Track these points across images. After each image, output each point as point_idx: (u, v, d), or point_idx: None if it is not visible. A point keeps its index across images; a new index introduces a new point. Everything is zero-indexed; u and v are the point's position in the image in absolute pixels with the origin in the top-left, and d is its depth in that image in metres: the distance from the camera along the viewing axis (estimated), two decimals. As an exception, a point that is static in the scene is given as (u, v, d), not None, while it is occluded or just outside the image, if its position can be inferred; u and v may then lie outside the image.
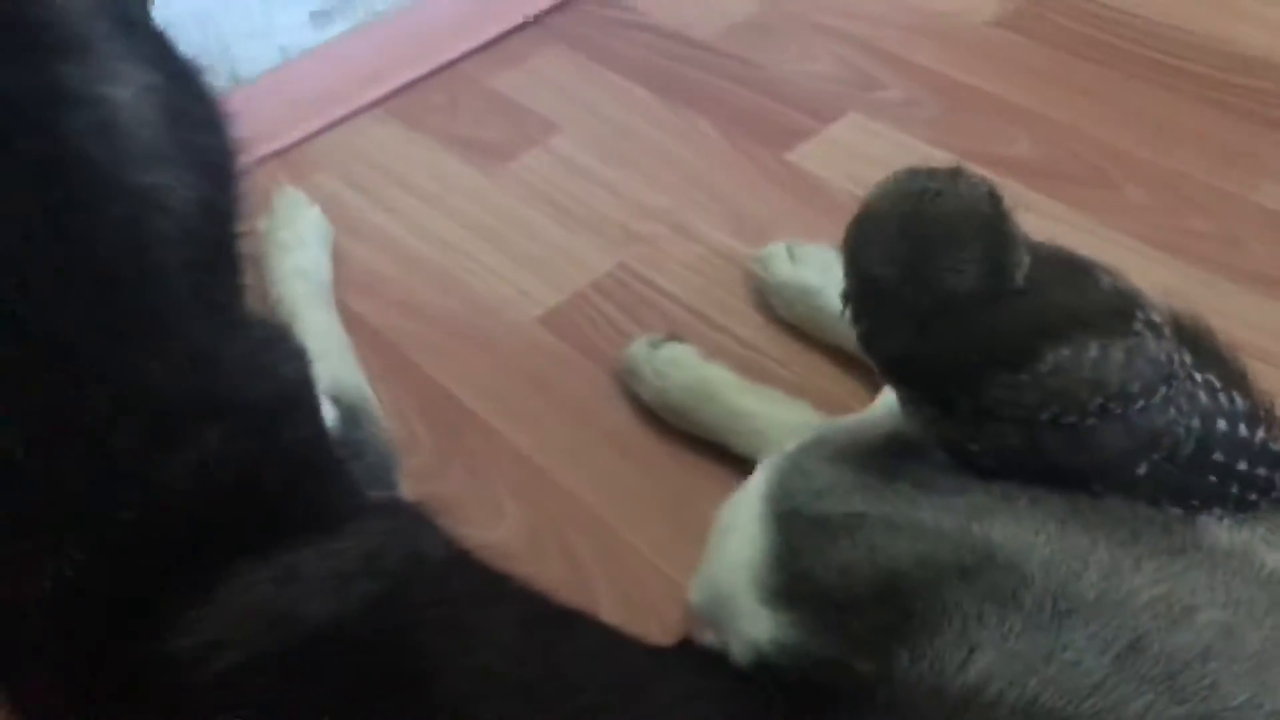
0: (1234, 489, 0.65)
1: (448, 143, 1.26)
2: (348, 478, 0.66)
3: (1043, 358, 0.61)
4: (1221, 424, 0.65)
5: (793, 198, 1.14)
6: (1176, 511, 0.63)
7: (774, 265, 1.01)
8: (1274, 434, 0.67)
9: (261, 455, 0.57)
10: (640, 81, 1.31)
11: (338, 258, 1.11)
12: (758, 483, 0.69)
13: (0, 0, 0.52)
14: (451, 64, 1.36)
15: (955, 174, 0.63)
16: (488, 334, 1.05)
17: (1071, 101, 1.20)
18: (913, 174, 0.63)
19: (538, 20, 1.40)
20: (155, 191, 0.54)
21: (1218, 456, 0.65)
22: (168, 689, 0.53)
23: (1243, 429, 0.66)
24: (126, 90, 0.54)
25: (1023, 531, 0.59)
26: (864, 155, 1.17)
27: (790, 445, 0.72)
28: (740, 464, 0.85)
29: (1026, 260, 0.63)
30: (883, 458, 0.68)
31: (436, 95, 1.33)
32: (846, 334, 0.92)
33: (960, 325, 0.62)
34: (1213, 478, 0.65)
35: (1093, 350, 0.62)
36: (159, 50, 0.58)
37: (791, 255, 1.01)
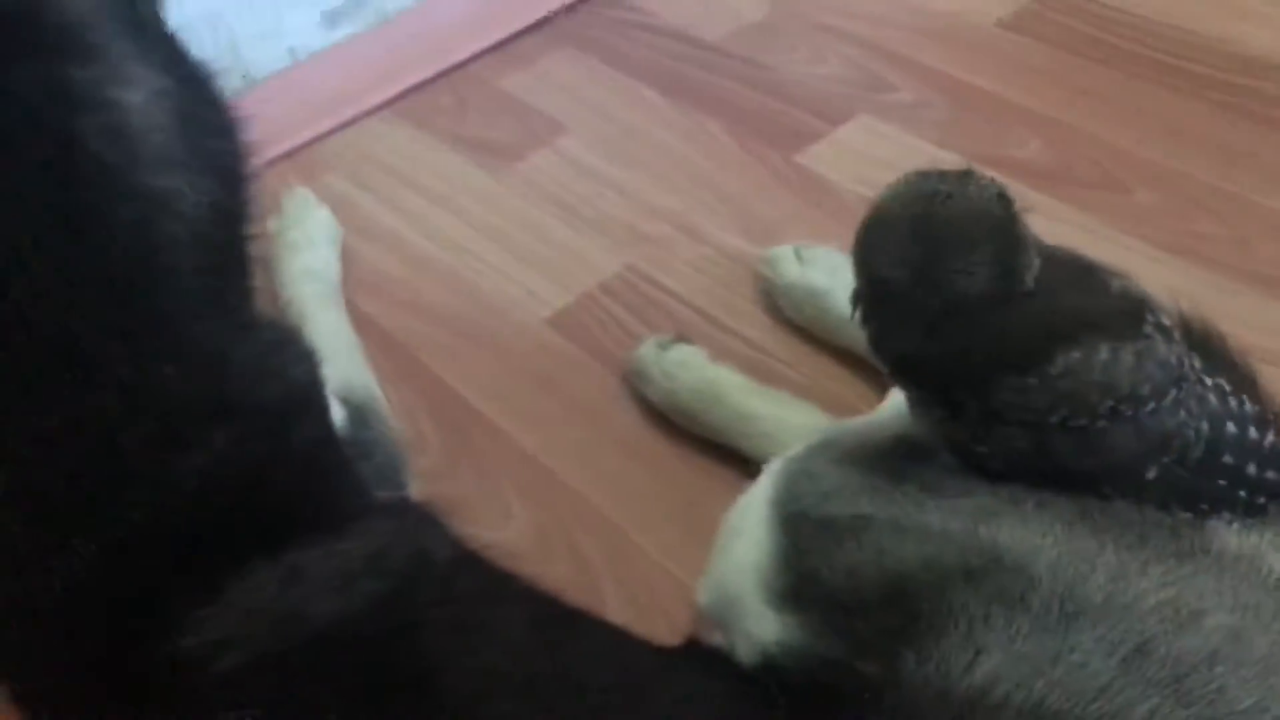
0: (1243, 493, 0.65)
1: (456, 144, 1.27)
2: (356, 478, 0.66)
3: (1052, 360, 0.61)
4: (1231, 427, 0.65)
5: (801, 199, 1.14)
6: (1185, 515, 0.63)
7: (782, 267, 1.01)
8: (1283, 437, 0.67)
9: (270, 456, 0.58)
10: (649, 83, 1.31)
11: (347, 258, 1.11)
12: (765, 485, 0.69)
13: (13, 4, 0.53)
14: (460, 65, 1.36)
15: (966, 176, 0.63)
16: (496, 335, 1.05)
17: (1080, 104, 1.20)
18: (923, 176, 0.63)
19: (546, 22, 1.40)
20: (166, 195, 0.55)
21: (1227, 460, 0.65)
22: (174, 688, 0.54)
23: (1252, 432, 0.66)
24: (138, 94, 0.55)
25: (1030, 534, 0.59)
26: (873, 157, 1.17)
27: (798, 447, 0.72)
28: (748, 465, 0.85)
29: (1037, 263, 0.63)
30: (890, 460, 0.68)
31: (445, 96, 1.33)
32: (854, 336, 0.92)
33: (970, 327, 0.62)
34: (1222, 481, 0.65)
35: (1103, 353, 0.62)
36: (171, 54, 0.59)
37: (800, 257, 1.01)
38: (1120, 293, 0.65)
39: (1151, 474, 0.64)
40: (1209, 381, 0.66)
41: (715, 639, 0.68)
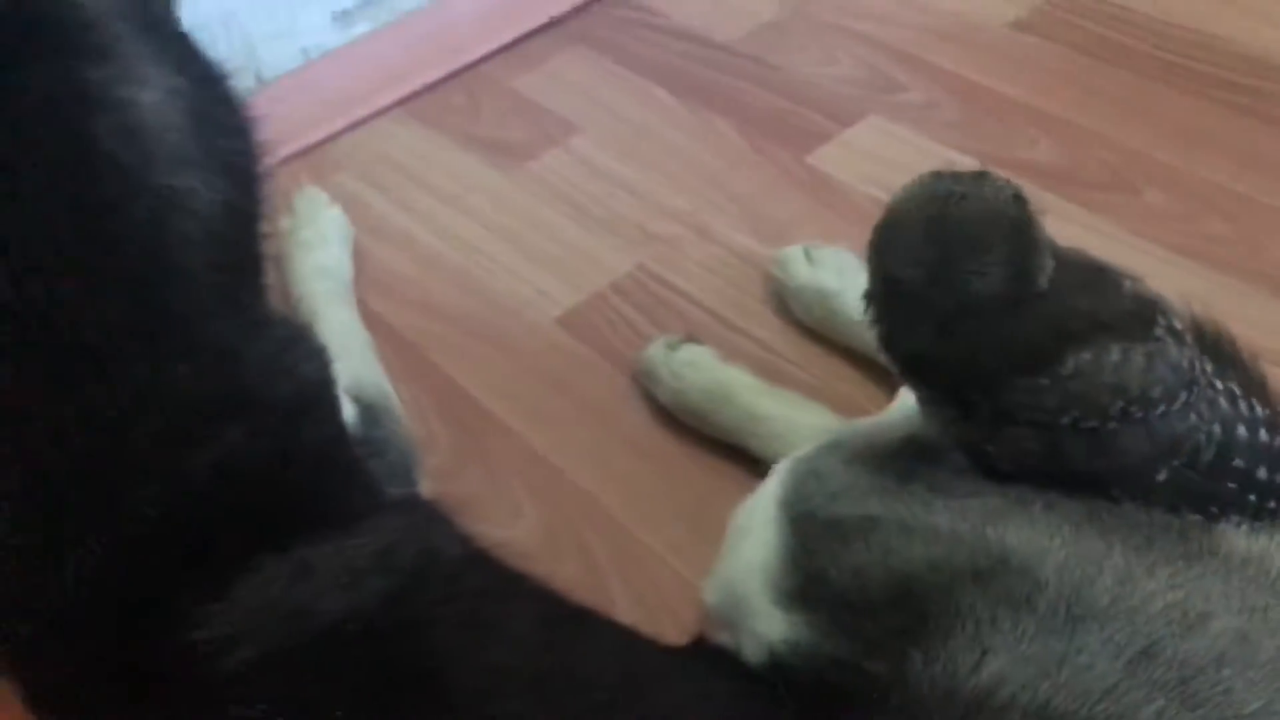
0: (1253, 496, 0.65)
1: (468, 143, 1.27)
2: (366, 475, 0.67)
3: (1064, 361, 0.61)
4: (1242, 430, 0.65)
5: (812, 200, 1.14)
6: (1194, 518, 0.63)
7: (792, 267, 1.01)
8: (1294, 441, 0.67)
9: (281, 453, 0.58)
10: (660, 83, 1.31)
11: (358, 257, 1.12)
12: (773, 485, 0.69)
13: (29, 4, 0.53)
14: (472, 65, 1.37)
15: (980, 177, 0.63)
16: (506, 334, 1.06)
17: (1092, 105, 1.19)
18: (938, 177, 0.63)
19: (558, 22, 1.41)
20: (180, 193, 0.55)
21: (1238, 463, 0.65)
22: (184, 682, 0.54)
23: (1263, 436, 0.66)
24: (152, 93, 0.55)
25: (1037, 536, 0.59)
26: (883, 158, 1.17)
27: (806, 448, 0.72)
28: (757, 466, 0.85)
29: (1051, 264, 0.63)
30: (898, 461, 0.69)
31: (457, 96, 1.34)
32: (864, 337, 0.92)
33: (982, 327, 0.62)
34: (1232, 485, 0.64)
35: (1114, 354, 0.62)
36: (185, 53, 0.59)
37: (810, 258, 1.01)
38: (1132, 294, 0.65)
39: (1162, 476, 0.64)
40: (1220, 385, 0.66)
41: (722, 638, 0.68)
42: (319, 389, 0.63)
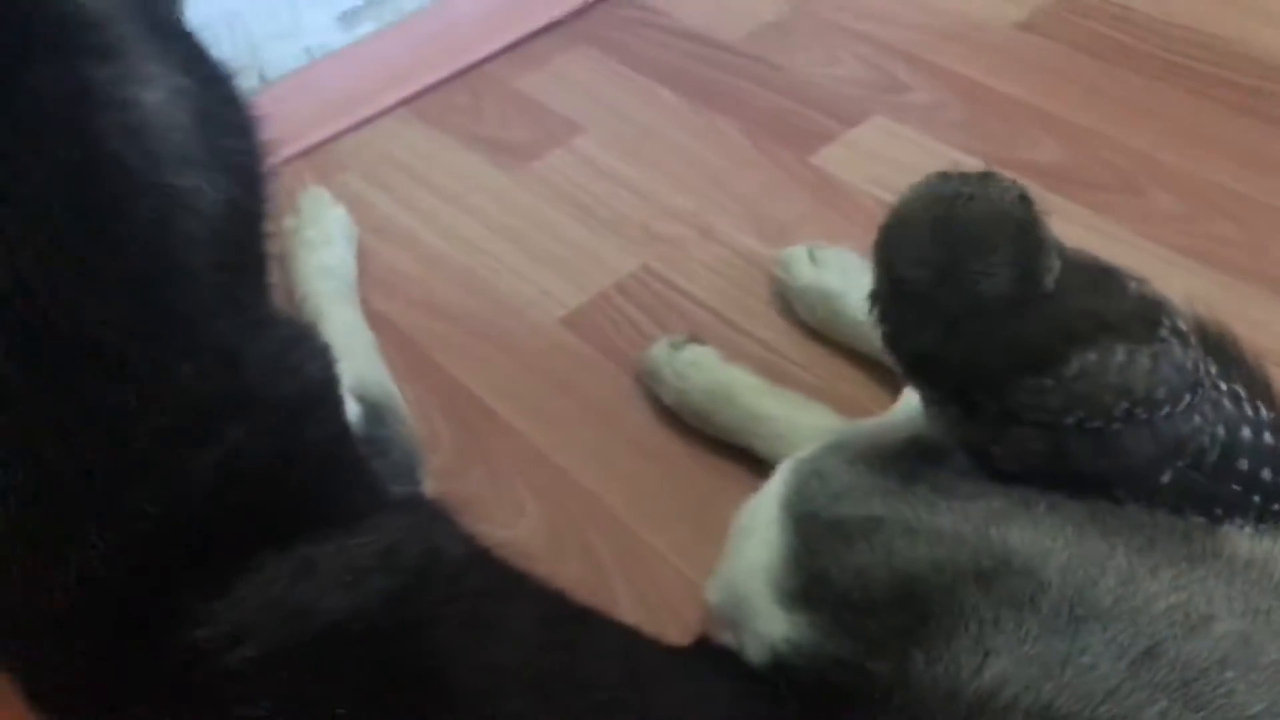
0: (1257, 498, 0.65)
1: (472, 143, 1.27)
2: (369, 474, 0.67)
3: (1068, 362, 0.61)
4: (1246, 432, 0.65)
5: (816, 200, 1.14)
6: (1199, 520, 0.63)
7: (796, 268, 1.01)
8: (1298, 442, 0.66)
9: (284, 452, 0.58)
10: (664, 83, 1.31)
11: (362, 256, 1.12)
12: (776, 485, 0.69)
13: (33, 3, 0.53)
14: (476, 65, 1.37)
15: (987, 178, 0.63)
16: (510, 334, 1.06)
17: (1098, 106, 1.19)
18: (945, 177, 0.63)
19: (561, 22, 1.41)
20: (184, 193, 0.55)
21: (1242, 465, 0.65)
22: (186, 680, 0.54)
23: (1268, 438, 0.66)
24: (157, 93, 0.55)
25: (1040, 537, 0.59)
26: (888, 159, 1.17)
27: (809, 448, 0.72)
28: (760, 466, 0.85)
29: (1057, 265, 0.63)
30: (902, 462, 0.69)
31: (461, 96, 1.34)
32: (867, 337, 0.92)
33: (988, 328, 0.62)
34: (1236, 487, 0.64)
35: (1119, 355, 0.62)
36: (190, 53, 0.59)
37: (813, 258, 1.01)
38: (1137, 296, 0.65)
39: (1166, 478, 0.64)
40: (1225, 386, 0.66)
41: (725, 638, 0.68)
42: (323, 388, 0.63)
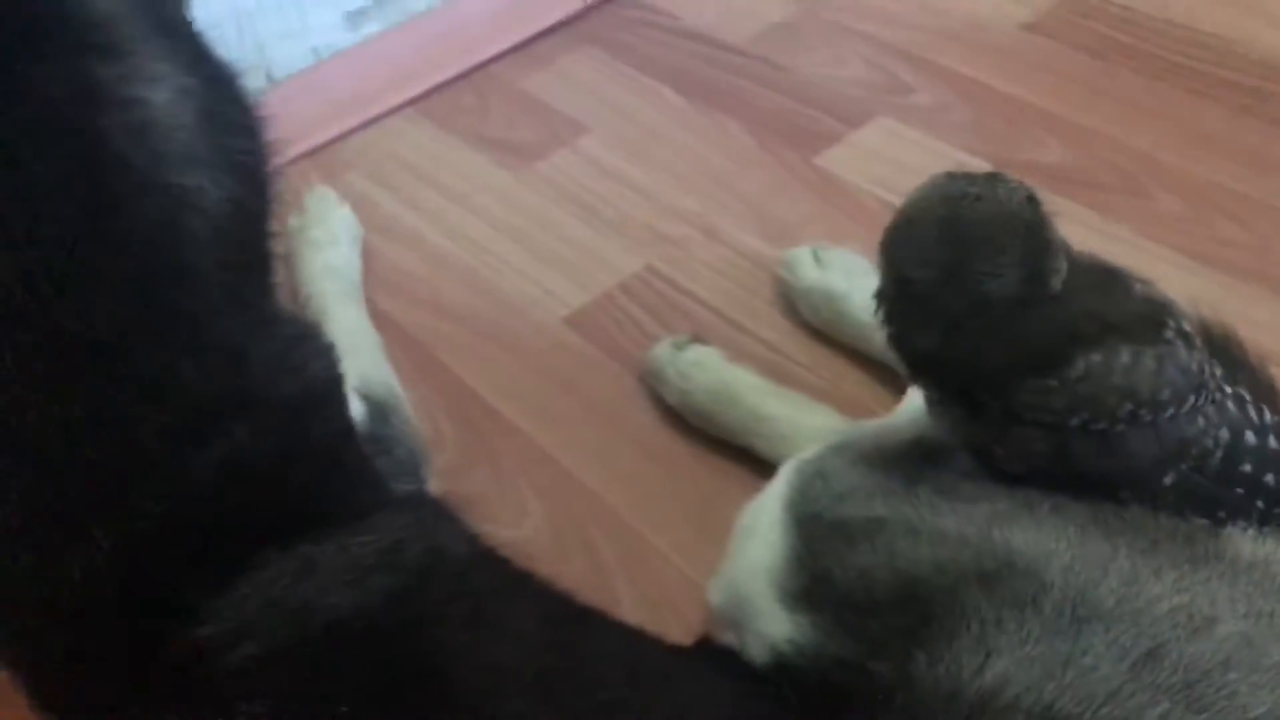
0: (1260, 502, 0.65)
1: (477, 143, 1.27)
2: (373, 473, 0.67)
3: (1073, 363, 0.61)
4: (1250, 436, 0.65)
5: (820, 201, 1.14)
6: (1201, 522, 0.62)
7: (800, 269, 1.01)
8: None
9: (287, 451, 0.58)
10: (669, 84, 1.31)
11: (367, 256, 1.12)
12: (779, 486, 0.69)
13: (40, 2, 0.53)
14: (482, 65, 1.37)
15: (994, 178, 0.63)
16: (514, 334, 1.06)
17: (1103, 108, 1.19)
18: (952, 178, 0.63)
19: (567, 22, 1.41)
20: (189, 192, 0.55)
21: (1245, 468, 0.64)
22: (189, 678, 0.54)
23: (1272, 442, 0.66)
24: (162, 92, 0.55)
25: (1043, 538, 0.59)
26: (892, 160, 1.17)
27: (813, 449, 0.72)
28: (763, 466, 0.85)
29: (1064, 266, 0.63)
30: (905, 463, 0.69)
31: (467, 96, 1.34)
32: (871, 339, 0.92)
33: (993, 328, 0.62)
34: (1239, 490, 0.64)
35: (1124, 357, 0.62)
36: (196, 53, 0.59)
37: (817, 259, 1.01)
38: (1143, 297, 0.65)
39: (1169, 480, 0.63)
40: (1229, 389, 0.66)
41: (727, 638, 0.69)
42: (327, 386, 0.63)
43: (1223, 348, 0.71)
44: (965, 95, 1.23)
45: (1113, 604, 0.55)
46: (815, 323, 1.00)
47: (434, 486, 0.85)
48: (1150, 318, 0.64)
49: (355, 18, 1.31)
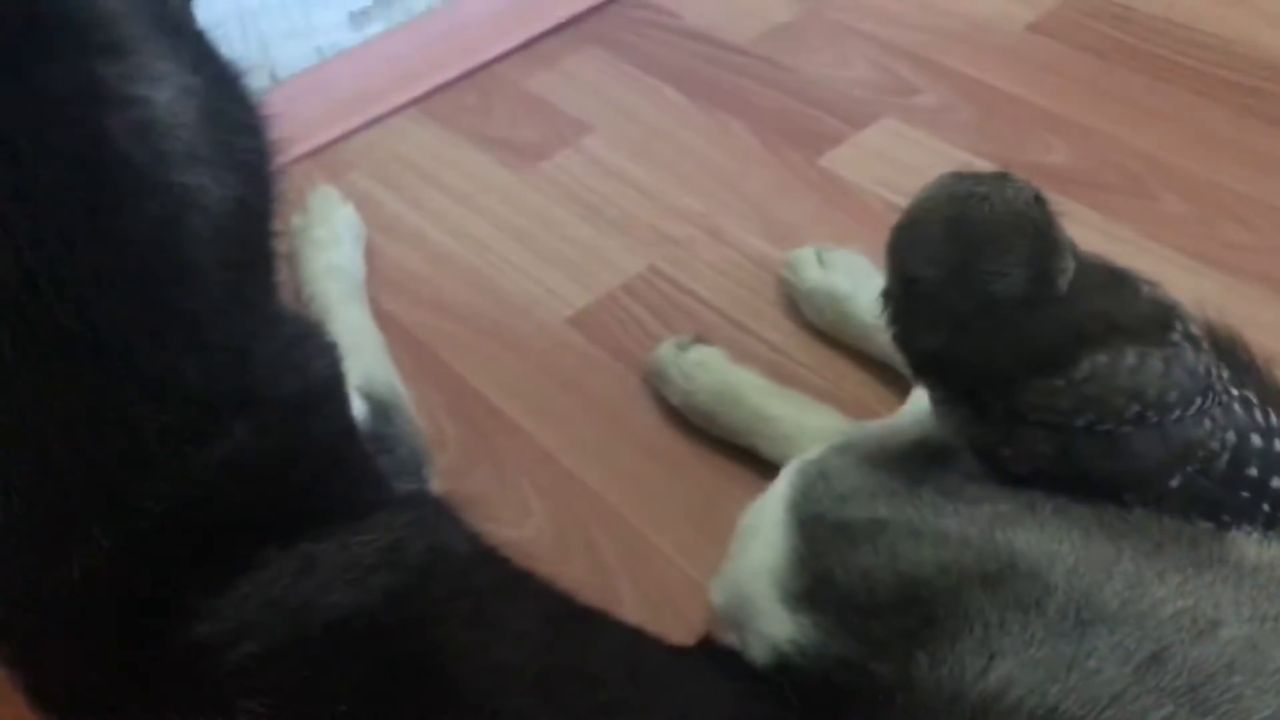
0: (1266, 506, 0.64)
1: (481, 143, 1.27)
2: (374, 472, 0.67)
3: (1079, 364, 0.61)
4: (1256, 439, 0.65)
5: (824, 202, 1.14)
6: (1206, 525, 0.62)
7: (803, 270, 1.01)
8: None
9: (289, 449, 0.58)
10: (673, 84, 1.31)
11: (370, 255, 1.12)
12: (782, 486, 0.69)
13: (42, 1, 0.53)
14: (486, 65, 1.37)
15: (1001, 178, 0.63)
16: (517, 333, 1.06)
17: (1109, 109, 1.19)
18: (959, 177, 0.63)
19: (571, 22, 1.41)
20: (191, 191, 0.55)
21: (1251, 472, 0.64)
22: (188, 677, 0.54)
23: (1278, 445, 0.66)
24: (165, 91, 0.55)
25: (1047, 540, 0.59)
26: (897, 161, 1.16)
27: (816, 449, 0.72)
28: (766, 467, 0.85)
29: (1072, 266, 0.62)
30: (908, 464, 0.68)
31: (471, 96, 1.34)
32: (875, 340, 0.92)
33: (999, 328, 0.62)
34: (1245, 493, 0.64)
35: (1130, 358, 0.61)
36: (199, 51, 0.59)
37: (821, 260, 1.01)
38: (1150, 299, 0.65)
39: (1174, 482, 0.63)
40: (1236, 392, 0.66)
41: (729, 639, 0.68)
42: (329, 385, 0.63)
43: (1228, 350, 0.71)
44: (970, 96, 1.23)
45: (1117, 607, 0.54)
46: (819, 324, 1.00)
47: (436, 486, 0.85)
48: (1157, 319, 0.64)
49: (359, 17, 1.31)
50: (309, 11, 1.28)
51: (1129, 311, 0.63)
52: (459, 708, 0.54)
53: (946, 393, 0.67)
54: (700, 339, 0.97)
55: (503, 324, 1.07)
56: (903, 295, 0.65)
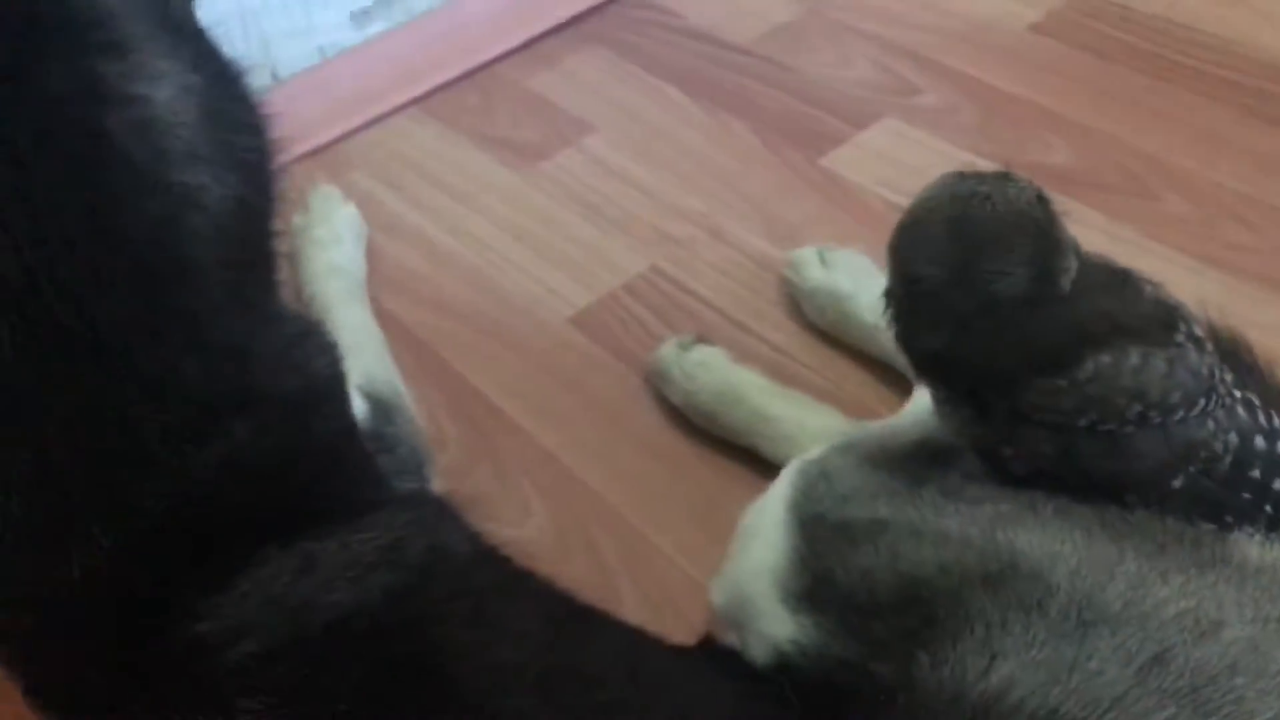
0: (1269, 508, 0.64)
1: (483, 142, 1.27)
2: (374, 471, 0.67)
3: (1083, 364, 0.61)
4: (1259, 441, 0.65)
5: (826, 202, 1.14)
6: (1208, 527, 0.62)
7: (805, 270, 1.01)
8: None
9: (289, 448, 0.58)
10: (675, 84, 1.31)
11: (372, 255, 1.12)
12: (783, 486, 0.69)
13: (44, 0, 0.53)
14: (487, 64, 1.37)
15: (1004, 178, 0.63)
16: (518, 333, 1.06)
17: (1111, 110, 1.19)
18: (962, 177, 0.63)
19: (572, 22, 1.41)
20: (191, 190, 0.55)
21: (1254, 473, 0.64)
22: (187, 675, 0.54)
23: (1280, 447, 0.65)
24: (166, 89, 0.55)
25: (1049, 541, 0.59)
26: (898, 161, 1.16)
27: (817, 449, 0.72)
28: (767, 467, 0.85)
29: (1075, 265, 0.62)
30: (909, 464, 0.68)
31: (472, 95, 1.34)
32: (876, 340, 0.92)
33: (1002, 327, 0.62)
34: (1248, 495, 0.64)
35: (1133, 358, 0.61)
36: (200, 50, 0.59)
37: (823, 260, 1.01)
38: (1154, 299, 0.65)
39: (1177, 483, 0.63)
40: (1239, 394, 0.66)
41: (730, 639, 0.68)
42: (329, 384, 0.63)
43: (1231, 352, 0.71)
44: (972, 96, 1.23)
45: (1119, 608, 0.54)
46: (820, 324, 1.00)
47: (436, 485, 0.85)
48: (1161, 320, 0.63)
49: (361, 17, 1.31)
50: (310, 10, 1.28)
51: (1132, 312, 0.63)
52: (459, 708, 0.54)
53: (948, 393, 0.67)
54: (702, 339, 0.97)
55: (504, 323, 1.07)
56: (905, 295, 0.65)
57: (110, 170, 0.53)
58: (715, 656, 0.68)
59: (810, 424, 0.87)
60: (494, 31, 1.38)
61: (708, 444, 0.93)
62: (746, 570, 0.66)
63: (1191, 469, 0.63)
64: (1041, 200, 0.62)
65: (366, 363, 0.91)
